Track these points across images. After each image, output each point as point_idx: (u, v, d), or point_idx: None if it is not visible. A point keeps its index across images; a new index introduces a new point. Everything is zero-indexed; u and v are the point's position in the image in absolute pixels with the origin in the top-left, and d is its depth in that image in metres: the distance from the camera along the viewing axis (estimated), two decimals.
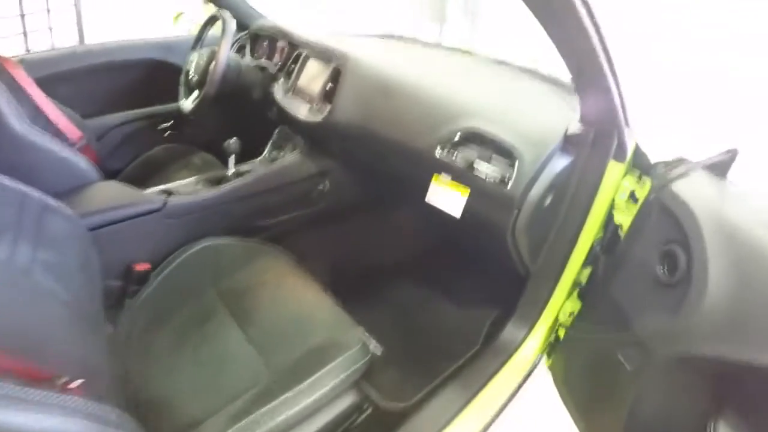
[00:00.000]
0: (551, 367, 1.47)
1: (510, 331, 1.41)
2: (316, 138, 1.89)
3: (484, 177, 1.30)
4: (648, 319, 1.06)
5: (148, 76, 2.42)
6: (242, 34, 2.39)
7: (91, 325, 1.11)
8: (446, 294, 1.97)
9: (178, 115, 2.23)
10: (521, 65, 1.76)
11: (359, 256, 2.11)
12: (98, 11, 4.30)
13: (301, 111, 1.79)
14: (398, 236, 2.18)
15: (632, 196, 1.22)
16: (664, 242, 1.06)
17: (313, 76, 1.83)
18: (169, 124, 2.43)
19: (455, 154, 1.35)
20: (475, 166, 1.31)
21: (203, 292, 1.43)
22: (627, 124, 1.17)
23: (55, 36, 3.93)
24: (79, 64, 2.22)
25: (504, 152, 1.28)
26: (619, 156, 1.20)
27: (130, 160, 2.30)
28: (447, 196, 1.39)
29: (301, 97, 1.85)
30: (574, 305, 1.37)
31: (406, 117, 1.50)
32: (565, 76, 1.56)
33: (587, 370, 1.28)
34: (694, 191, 1.05)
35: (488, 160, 1.30)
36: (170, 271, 1.50)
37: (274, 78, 2.01)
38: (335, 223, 2.04)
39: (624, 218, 1.22)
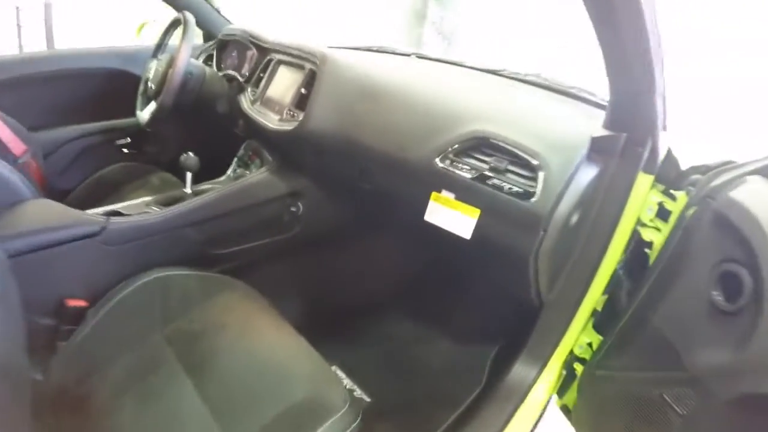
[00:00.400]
0: (574, 410, 1.30)
1: (520, 369, 1.24)
2: (287, 152, 1.66)
3: (501, 191, 1.13)
4: (703, 354, 0.91)
5: (107, 88, 2.22)
6: (210, 43, 2.23)
7: (7, 372, 0.88)
8: (439, 328, 1.80)
9: (138, 130, 2.09)
10: (517, 74, 1.60)
11: (339, 289, 1.90)
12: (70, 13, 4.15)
13: (271, 121, 1.59)
14: (383, 265, 1.99)
15: (661, 211, 1.09)
16: (719, 262, 0.91)
17: (285, 82, 1.65)
18: (127, 140, 2.23)
19: (459, 166, 1.18)
20: (487, 178, 1.14)
21: (149, 335, 1.21)
22: (664, 127, 1.06)
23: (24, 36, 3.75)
24: (29, 71, 2.03)
25: (522, 161, 1.12)
26: (649, 166, 1.07)
27: (83, 179, 2.08)
28: (451, 217, 1.22)
29: (271, 108, 1.66)
30: (590, 336, 1.24)
31: (396, 123, 1.33)
32: (566, 83, 1.49)
33: (623, 413, 1.10)
34: (759, 200, 0.89)
35: (503, 173, 1.13)
36: (110, 308, 1.26)
37: (241, 89, 1.82)
38: (310, 252, 1.80)
39: (654, 236, 1.09)
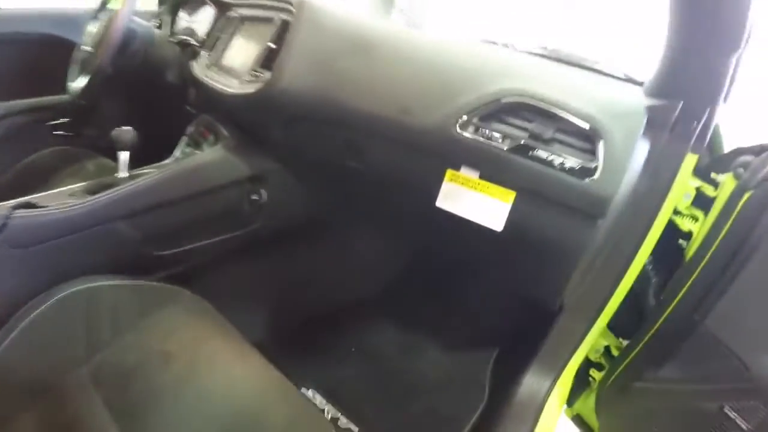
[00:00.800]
0: (602, 425, 1.21)
1: (532, 381, 1.08)
2: (248, 124, 1.34)
3: (550, 167, 0.90)
4: None
5: (38, 57, 1.94)
6: (164, 6, 1.90)
7: None
8: (430, 335, 1.61)
9: (75, 109, 1.77)
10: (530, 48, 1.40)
11: (313, 295, 1.62)
12: None
13: (229, 86, 1.27)
14: (366, 264, 1.74)
15: (699, 197, 0.99)
16: None
17: (249, 41, 1.33)
18: (62, 120, 1.90)
19: (488, 134, 0.94)
20: (530, 149, 0.92)
21: (68, 372, 0.91)
22: (726, 98, 0.91)
23: None
24: None
25: (572, 128, 0.90)
26: (698, 144, 0.96)
27: (8, 167, 1.76)
28: (474, 202, 0.98)
29: (229, 72, 1.34)
30: (608, 339, 1.15)
31: (396, 80, 1.06)
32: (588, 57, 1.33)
33: (673, 428, 1.03)
34: None
35: (548, 143, 0.91)
36: (16, 336, 0.92)
37: (196, 54, 1.51)
38: (276, 250, 1.49)
39: (693, 226, 1.00)
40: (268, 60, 1.20)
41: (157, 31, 1.61)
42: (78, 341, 0.95)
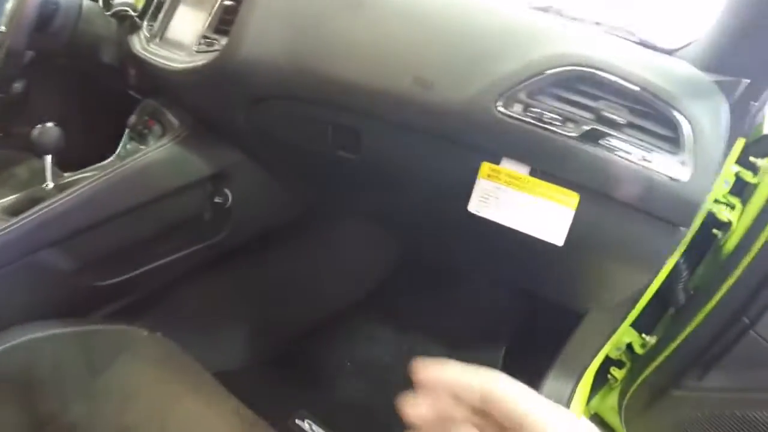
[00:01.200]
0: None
1: (554, 386, 1.00)
2: (202, 107, 1.07)
3: (628, 160, 0.70)
4: None
5: None
6: None
7: None
8: (430, 341, 1.44)
9: (3, 104, 1.46)
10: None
11: (293, 306, 1.41)
12: None
13: (175, 59, 1.00)
14: (354, 263, 1.52)
15: (736, 184, 0.88)
16: None
17: (198, 5, 1.06)
18: None
19: (542, 115, 0.72)
20: (601, 136, 0.70)
21: None
22: None
23: None
24: None
25: (650, 111, 0.71)
26: (748, 126, 0.83)
27: None
28: (523, 207, 0.76)
29: (175, 44, 1.08)
30: (629, 335, 1.04)
31: (412, 42, 0.79)
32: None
33: None
34: None
35: (621, 128, 0.70)
36: None
37: (135, 27, 1.25)
38: (247, 261, 1.26)
39: (732, 215, 0.89)
40: (223, 23, 0.94)
41: (87, 2, 1.33)
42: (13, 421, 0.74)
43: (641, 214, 0.73)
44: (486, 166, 0.76)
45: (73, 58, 1.33)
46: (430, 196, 0.85)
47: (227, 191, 1.06)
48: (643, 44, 0.90)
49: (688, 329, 0.90)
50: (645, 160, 0.69)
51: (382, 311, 1.48)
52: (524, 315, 1.33)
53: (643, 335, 1.04)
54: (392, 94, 0.77)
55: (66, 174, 1.20)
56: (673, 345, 0.95)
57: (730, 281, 0.84)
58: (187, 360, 0.87)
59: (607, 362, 1.08)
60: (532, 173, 0.74)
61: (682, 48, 0.85)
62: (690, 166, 0.69)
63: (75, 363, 0.82)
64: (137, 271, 1.01)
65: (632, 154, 0.70)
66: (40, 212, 0.89)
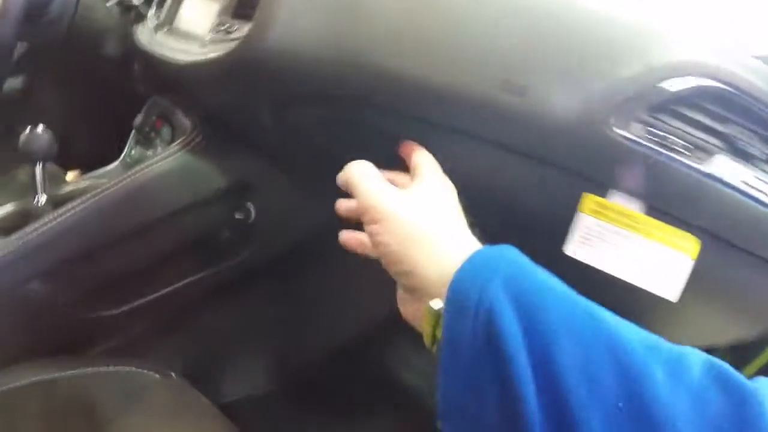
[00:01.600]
0: None
1: None
2: (221, 107, 0.91)
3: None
4: None
5: None
6: None
7: None
8: None
9: (3, 102, 1.35)
10: None
11: (322, 329, 1.24)
12: None
13: (187, 51, 0.85)
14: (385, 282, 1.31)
15: None
16: None
17: None
18: None
19: (662, 136, 0.56)
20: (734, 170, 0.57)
21: None
22: None
23: None
24: None
25: None
26: None
27: None
28: (633, 253, 0.61)
29: (185, 35, 0.94)
30: None
31: (500, 34, 0.60)
32: None
33: None
34: None
35: (754, 163, 0.57)
36: None
37: (141, 17, 1.12)
38: (272, 284, 1.10)
39: None
40: (244, 5, 0.77)
41: None
42: None
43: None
44: (590, 200, 0.60)
45: (73, 51, 1.20)
46: (510, 230, 0.68)
47: (249, 205, 0.91)
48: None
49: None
50: None
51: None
52: None
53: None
54: (471, 100, 0.60)
55: (67, 178, 1.08)
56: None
57: None
58: (206, 406, 0.74)
59: None
60: (649, 211, 0.60)
61: None
62: None
63: (73, 414, 0.69)
64: (145, 299, 0.87)
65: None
66: (30, 236, 0.75)
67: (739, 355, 0.92)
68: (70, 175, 1.27)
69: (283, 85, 0.70)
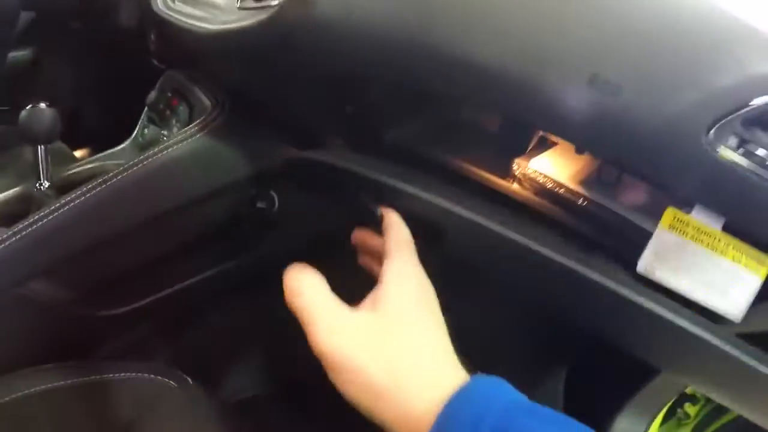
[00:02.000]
0: None
1: (624, 425, 0.90)
2: (246, 85, 0.82)
3: None
4: None
5: None
6: None
7: None
8: (484, 357, 1.14)
9: (8, 75, 1.29)
10: None
11: None
12: None
13: (209, 19, 0.77)
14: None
15: None
16: None
17: None
18: None
19: (755, 152, 0.49)
20: None
21: None
22: None
23: None
24: None
25: None
26: None
27: None
28: (707, 270, 0.54)
29: (205, 2, 0.85)
30: None
31: (585, 22, 0.50)
32: None
33: None
34: None
35: None
36: None
37: None
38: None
39: None
40: None
41: None
42: None
43: None
44: (671, 213, 0.55)
45: (85, 20, 1.15)
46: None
47: (273, 194, 0.83)
48: None
49: None
50: None
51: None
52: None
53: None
54: (553, 94, 0.52)
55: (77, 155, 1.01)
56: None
57: None
58: (223, 412, 0.69)
59: (683, 398, 1.01)
60: (727, 228, 0.54)
61: None
62: None
63: (84, 426, 0.63)
64: (155, 297, 0.80)
65: None
66: (30, 230, 0.67)
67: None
68: (79, 153, 1.20)
69: (324, 63, 0.62)
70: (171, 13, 0.85)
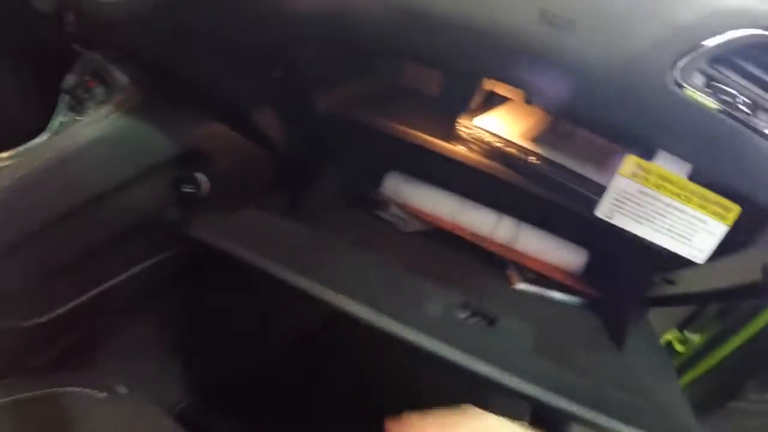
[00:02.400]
0: None
1: None
2: (168, 58, 0.75)
3: None
4: None
5: None
6: None
7: None
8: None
9: None
10: None
11: (291, 323, 1.12)
12: None
13: None
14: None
15: None
16: None
17: None
18: None
19: (729, 92, 0.46)
20: None
21: None
22: None
23: None
24: None
25: None
26: None
27: None
28: (670, 218, 0.56)
29: None
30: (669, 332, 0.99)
31: None
32: None
33: None
34: None
35: None
36: None
37: None
38: (228, 281, 0.96)
39: None
40: None
41: None
42: None
43: None
44: (631, 161, 0.54)
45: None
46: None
47: (199, 176, 0.76)
48: None
49: (745, 336, 0.84)
50: None
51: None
52: None
53: (685, 332, 0.96)
54: (501, 37, 0.48)
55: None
56: (726, 352, 0.87)
57: None
58: (161, 421, 0.64)
59: None
60: (693, 177, 0.55)
61: None
62: None
63: None
64: (77, 301, 0.72)
65: None
66: None
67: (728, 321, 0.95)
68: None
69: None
70: None
